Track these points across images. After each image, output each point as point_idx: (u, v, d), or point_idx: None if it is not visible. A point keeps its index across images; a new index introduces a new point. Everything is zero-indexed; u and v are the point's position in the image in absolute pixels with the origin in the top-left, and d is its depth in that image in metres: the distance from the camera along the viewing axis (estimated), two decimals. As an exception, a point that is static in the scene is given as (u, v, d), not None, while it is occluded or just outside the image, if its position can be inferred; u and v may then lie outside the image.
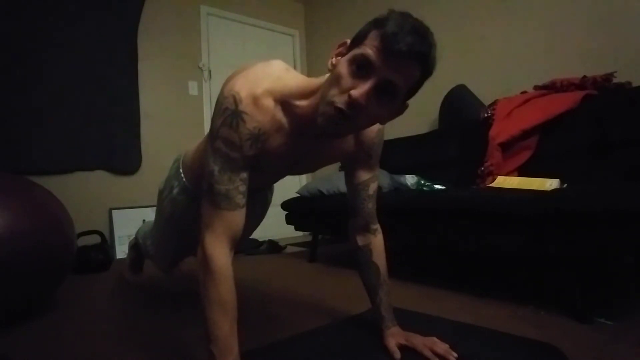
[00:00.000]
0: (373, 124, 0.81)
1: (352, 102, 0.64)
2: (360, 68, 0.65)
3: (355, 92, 0.63)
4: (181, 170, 1.07)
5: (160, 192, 1.17)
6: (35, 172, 2.32)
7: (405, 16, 0.65)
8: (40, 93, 2.41)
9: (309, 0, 3.81)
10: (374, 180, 0.97)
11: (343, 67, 0.67)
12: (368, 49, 0.64)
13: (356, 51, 0.66)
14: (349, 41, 0.70)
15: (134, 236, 1.74)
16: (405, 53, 0.62)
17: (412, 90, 0.70)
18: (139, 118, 2.81)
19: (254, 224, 1.30)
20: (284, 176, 1.05)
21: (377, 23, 0.65)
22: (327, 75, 0.73)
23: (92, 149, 2.61)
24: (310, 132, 0.78)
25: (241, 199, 0.76)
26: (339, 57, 0.70)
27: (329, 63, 0.71)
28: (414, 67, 0.65)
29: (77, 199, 2.47)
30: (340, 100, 0.65)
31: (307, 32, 3.88)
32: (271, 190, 1.30)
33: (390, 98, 0.67)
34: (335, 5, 3.48)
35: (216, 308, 0.73)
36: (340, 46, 0.72)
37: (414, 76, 0.66)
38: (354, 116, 0.66)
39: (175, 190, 1.09)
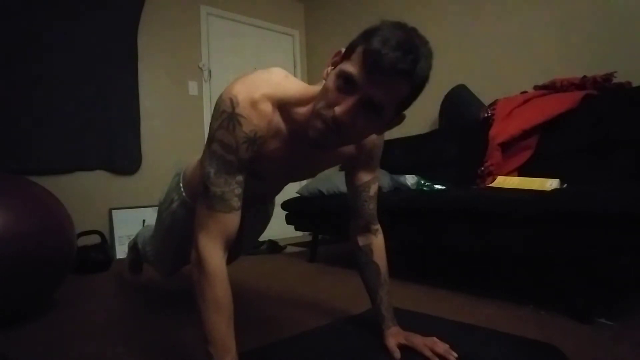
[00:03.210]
0: (364, 138, 0.80)
1: (335, 118, 0.65)
2: (346, 84, 0.64)
3: (338, 110, 0.64)
4: (181, 185, 1.08)
5: (160, 204, 1.17)
6: (35, 172, 2.32)
7: (394, 29, 0.63)
8: (40, 93, 2.41)
9: (309, 0, 3.81)
10: (374, 181, 0.97)
11: (331, 80, 0.67)
12: (352, 67, 0.63)
13: (343, 66, 0.65)
14: (343, 50, 0.69)
15: (133, 237, 1.74)
16: (387, 71, 0.60)
17: (404, 104, 0.69)
18: (139, 118, 2.81)
19: (254, 236, 1.30)
20: (285, 184, 1.05)
21: (365, 36, 0.64)
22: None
23: (92, 149, 2.60)
24: (307, 138, 0.78)
25: (236, 202, 0.76)
26: (333, 67, 0.70)
27: (324, 72, 0.71)
28: (400, 84, 0.63)
29: (77, 199, 2.47)
30: (326, 114, 0.66)
31: (307, 32, 3.88)
32: (272, 204, 1.30)
33: (376, 114, 0.66)
34: (335, 5, 3.48)
35: (212, 309, 0.73)
36: (335, 55, 0.70)
37: (401, 92, 0.65)
38: (340, 131, 0.66)
39: (175, 204, 1.09)
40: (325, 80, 0.70)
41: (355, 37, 0.67)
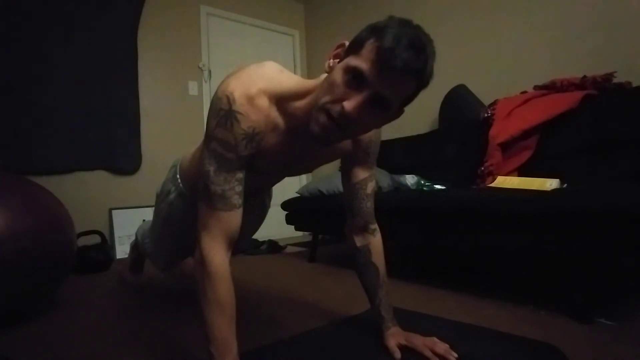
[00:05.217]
0: (365, 132, 0.81)
1: (344, 113, 0.64)
2: (355, 79, 0.64)
3: (347, 105, 0.63)
4: (178, 176, 1.08)
5: (158, 196, 1.17)
6: (35, 172, 2.32)
7: (404, 26, 0.63)
8: (40, 93, 2.41)
9: (309, 0, 3.81)
10: (371, 179, 0.96)
11: (338, 74, 0.66)
12: (363, 63, 0.62)
13: (352, 61, 0.64)
14: (347, 43, 0.68)
15: (134, 236, 1.74)
16: (400, 70, 0.61)
17: (407, 100, 0.69)
18: (139, 118, 2.81)
19: (252, 230, 1.30)
20: (282, 178, 1.05)
21: (375, 32, 0.63)
22: (324, 75, 0.73)
23: (92, 149, 2.60)
24: (305, 132, 0.78)
25: (237, 200, 0.76)
26: (336, 60, 0.69)
27: (326, 64, 0.71)
28: (409, 82, 0.64)
29: (77, 199, 2.47)
30: (332, 109, 0.65)
31: (307, 32, 3.88)
32: (269, 196, 1.30)
33: (383, 109, 0.66)
34: (335, 5, 3.48)
35: (214, 309, 0.73)
36: (338, 47, 0.70)
37: (408, 89, 0.66)
38: (345, 126, 0.66)
39: (172, 195, 1.09)
40: (329, 72, 0.69)
41: (361, 31, 0.66)
